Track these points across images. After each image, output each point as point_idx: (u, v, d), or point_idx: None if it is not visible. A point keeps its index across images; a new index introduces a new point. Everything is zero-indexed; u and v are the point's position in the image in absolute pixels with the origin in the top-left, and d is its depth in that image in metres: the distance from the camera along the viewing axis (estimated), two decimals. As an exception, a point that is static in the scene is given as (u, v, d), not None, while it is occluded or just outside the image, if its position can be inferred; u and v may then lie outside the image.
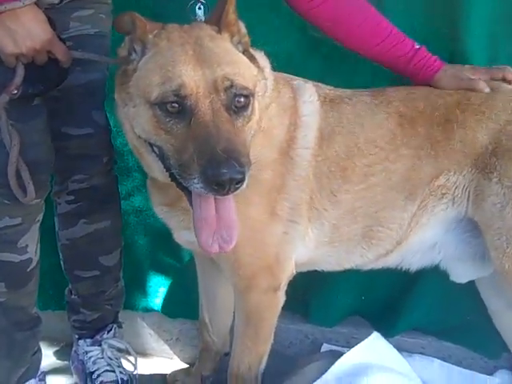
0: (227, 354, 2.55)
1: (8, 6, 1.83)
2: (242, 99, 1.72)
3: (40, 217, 2.31)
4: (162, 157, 1.75)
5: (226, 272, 2.17)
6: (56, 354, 3.03)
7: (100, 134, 2.39)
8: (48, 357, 2.91)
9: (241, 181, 1.58)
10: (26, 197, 2.08)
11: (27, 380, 2.48)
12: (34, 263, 2.34)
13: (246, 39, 1.89)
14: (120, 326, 2.81)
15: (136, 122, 1.78)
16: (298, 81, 2.18)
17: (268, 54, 2.07)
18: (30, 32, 1.89)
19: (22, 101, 2.02)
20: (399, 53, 2.22)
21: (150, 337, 3.00)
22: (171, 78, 1.67)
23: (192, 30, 1.82)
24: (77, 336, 2.74)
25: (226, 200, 1.72)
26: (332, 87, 2.23)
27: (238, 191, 1.61)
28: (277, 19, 2.54)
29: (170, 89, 1.66)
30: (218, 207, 1.73)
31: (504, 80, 2.18)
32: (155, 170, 1.93)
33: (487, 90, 2.13)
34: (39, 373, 2.56)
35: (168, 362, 2.99)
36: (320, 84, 2.21)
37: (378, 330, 2.57)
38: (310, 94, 2.13)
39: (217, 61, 1.71)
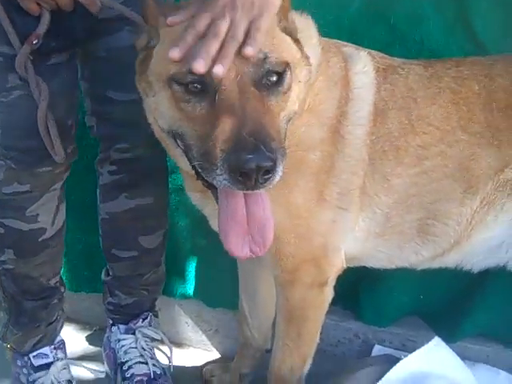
0: (269, 351, 2.39)
1: None
2: (275, 77, 1.51)
3: (56, 186, 2.23)
4: (186, 148, 1.57)
5: (267, 263, 2.01)
6: (88, 338, 2.95)
7: None
8: (79, 341, 2.86)
9: (271, 170, 1.35)
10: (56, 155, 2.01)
11: (41, 347, 2.45)
12: (48, 234, 2.27)
13: (294, 26, 1.69)
14: (156, 315, 2.69)
15: (158, 112, 1.63)
16: (349, 47, 2.01)
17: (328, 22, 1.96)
18: None
19: (40, 57, 1.90)
20: None
21: (186, 326, 2.90)
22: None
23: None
24: (111, 321, 2.64)
25: (258, 195, 1.52)
26: (383, 54, 2.06)
27: (269, 185, 1.39)
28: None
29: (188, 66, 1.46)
30: (249, 203, 1.53)
31: None
32: (182, 162, 1.75)
33: None
34: (57, 341, 2.50)
35: (205, 354, 2.87)
36: (372, 51, 2.04)
37: (438, 334, 2.42)
38: (363, 63, 1.95)
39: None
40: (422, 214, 1.99)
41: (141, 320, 2.58)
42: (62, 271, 2.54)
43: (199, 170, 1.49)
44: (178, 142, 1.60)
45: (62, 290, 2.50)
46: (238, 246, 1.54)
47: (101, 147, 2.38)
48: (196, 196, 1.99)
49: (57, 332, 2.50)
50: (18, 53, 1.85)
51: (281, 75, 1.53)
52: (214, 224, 2.01)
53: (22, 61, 1.86)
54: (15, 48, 1.85)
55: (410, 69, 2.00)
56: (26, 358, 2.45)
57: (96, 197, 2.49)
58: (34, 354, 2.44)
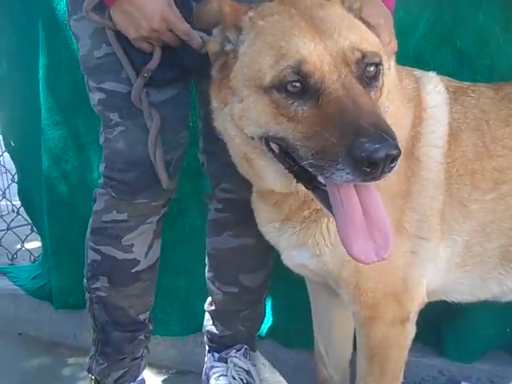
0: (347, 391, 2.36)
1: None
2: (372, 68, 1.53)
3: (152, 219, 2.30)
4: (285, 152, 1.56)
5: (345, 299, 1.95)
6: (165, 382, 2.94)
7: None
8: (155, 384, 2.85)
9: (397, 157, 1.34)
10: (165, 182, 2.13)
11: (123, 383, 2.48)
12: (140, 266, 2.34)
13: (359, 4, 1.69)
14: (253, 350, 2.72)
15: (246, 119, 1.60)
16: (419, 71, 2.01)
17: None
18: (143, 12, 1.86)
19: (153, 90, 2.07)
20: None
21: (263, 367, 2.87)
22: (286, 55, 1.49)
23: (296, 1, 1.64)
24: (207, 348, 2.71)
25: (372, 194, 1.50)
26: (450, 78, 2.05)
27: (392, 172, 1.36)
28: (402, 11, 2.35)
29: (288, 65, 1.47)
30: (365, 204, 1.49)
31: None
32: (269, 176, 1.74)
33: None
34: (139, 379, 2.53)
35: (283, 394, 2.84)
36: (440, 75, 2.03)
37: None
38: (435, 83, 1.95)
39: (337, 29, 1.53)
40: (503, 241, 1.93)
41: (234, 350, 2.62)
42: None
43: (310, 169, 1.47)
44: (273, 146, 1.59)
45: (150, 327, 2.53)
46: (362, 252, 1.48)
47: (210, 184, 2.47)
48: (271, 228, 1.97)
49: (140, 370, 2.53)
50: (133, 85, 2.01)
51: (377, 66, 1.54)
52: (287, 258, 2.00)
53: (137, 93, 2.01)
54: (131, 80, 2.01)
55: (481, 91, 1.97)
56: None
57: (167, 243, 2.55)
58: None
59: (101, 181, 2.27)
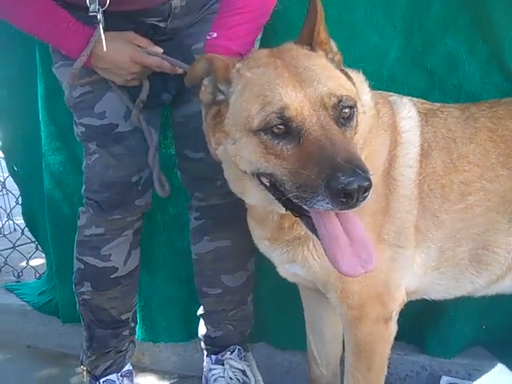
0: (338, 388, 2.46)
1: (79, 59, 2.17)
2: (347, 110, 1.68)
3: (127, 233, 2.58)
4: (274, 185, 1.71)
5: (334, 302, 2.09)
6: None
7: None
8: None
9: (368, 188, 1.50)
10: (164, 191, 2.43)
11: (110, 373, 2.73)
12: (119, 273, 2.61)
13: (339, 57, 1.87)
14: (246, 350, 2.85)
15: (240, 158, 1.76)
16: (393, 97, 2.14)
17: (368, 74, 2.03)
18: (117, 64, 2.22)
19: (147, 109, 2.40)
20: None
21: (258, 369, 2.92)
22: (271, 102, 1.64)
23: (283, 53, 1.81)
24: (205, 352, 2.87)
25: (351, 218, 1.66)
26: (423, 100, 2.18)
27: (366, 201, 1.52)
28: (376, 37, 2.51)
29: (273, 111, 1.63)
30: (346, 227, 1.65)
31: None
32: (263, 201, 1.90)
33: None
34: (125, 370, 2.78)
35: (278, 394, 2.93)
36: (413, 98, 2.16)
37: (503, 362, 2.45)
38: (408, 109, 2.09)
39: (316, 78, 1.68)
40: (472, 245, 2.07)
41: (229, 352, 2.78)
42: (141, 324, 2.75)
43: (295, 201, 1.61)
44: (263, 180, 1.75)
45: (133, 324, 2.79)
46: (350, 267, 1.63)
47: (188, 196, 2.72)
48: (264, 244, 2.12)
49: (125, 361, 2.77)
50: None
51: (351, 109, 1.69)
52: (282, 270, 2.15)
53: (135, 119, 2.34)
54: (130, 109, 2.34)
55: (448, 112, 2.11)
56: (98, 383, 2.72)
57: (166, 255, 2.78)
58: (103, 379, 2.72)
59: (83, 201, 2.55)
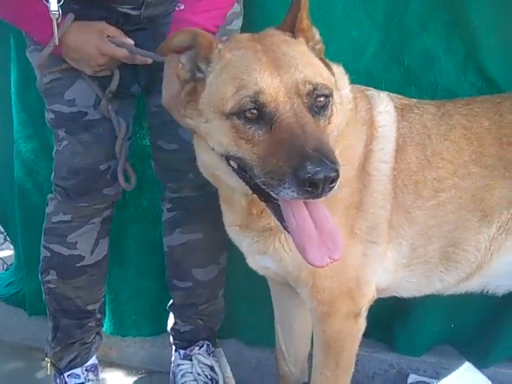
0: (306, 384, 2.46)
1: (46, 48, 2.16)
2: (322, 98, 1.67)
3: (95, 220, 2.55)
4: (243, 169, 1.69)
5: (304, 297, 2.09)
6: (135, 383, 3.03)
7: (185, 150, 2.41)
8: (126, 386, 2.94)
9: (335, 179, 1.48)
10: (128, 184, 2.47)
11: (74, 367, 2.71)
12: (85, 262, 2.58)
13: (320, 46, 1.85)
14: (215, 345, 2.84)
15: (210, 137, 1.75)
16: (371, 91, 2.14)
17: (345, 68, 2.03)
18: (85, 55, 2.22)
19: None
20: None
21: (228, 364, 2.92)
22: (246, 86, 1.63)
23: (264, 38, 1.79)
24: (174, 347, 2.84)
25: (320, 207, 1.65)
26: (400, 95, 2.18)
27: (332, 192, 1.51)
28: (354, 32, 2.52)
29: (247, 94, 1.62)
30: (314, 216, 1.64)
31: None
32: (233, 184, 1.87)
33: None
34: (89, 364, 2.74)
35: (247, 390, 2.92)
36: (390, 93, 2.16)
37: (470, 360, 2.42)
38: (385, 103, 2.09)
39: (294, 64, 1.67)
40: (442, 243, 2.08)
41: (197, 347, 2.76)
42: (110, 317, 2.71)
43: (262, 187, 1.60)
44: (232, 163, 1.73)
45: (99, 316, 2.74)
46: (316, 257, 1.62)
47: (161, 187, 2.69)
48: (234, 230, 2.10)
49: (90, 353, 2.73)
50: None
51: (327, 98, 1.68)
52: (251, 262, 2.13)
53: (105, 107, 2.34)
54: (100, 98, 2.34)
55: (424, 108, 2.11)
56: (62, 377, 2.70)
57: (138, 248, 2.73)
58: (68, 373, 2.68)
59: (52, 187, 2.54)
